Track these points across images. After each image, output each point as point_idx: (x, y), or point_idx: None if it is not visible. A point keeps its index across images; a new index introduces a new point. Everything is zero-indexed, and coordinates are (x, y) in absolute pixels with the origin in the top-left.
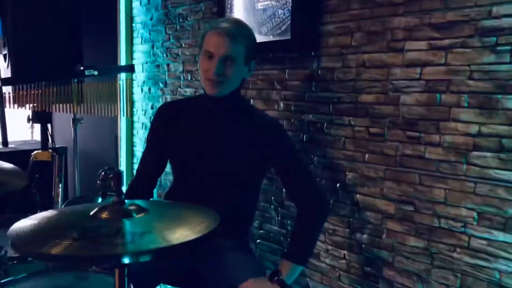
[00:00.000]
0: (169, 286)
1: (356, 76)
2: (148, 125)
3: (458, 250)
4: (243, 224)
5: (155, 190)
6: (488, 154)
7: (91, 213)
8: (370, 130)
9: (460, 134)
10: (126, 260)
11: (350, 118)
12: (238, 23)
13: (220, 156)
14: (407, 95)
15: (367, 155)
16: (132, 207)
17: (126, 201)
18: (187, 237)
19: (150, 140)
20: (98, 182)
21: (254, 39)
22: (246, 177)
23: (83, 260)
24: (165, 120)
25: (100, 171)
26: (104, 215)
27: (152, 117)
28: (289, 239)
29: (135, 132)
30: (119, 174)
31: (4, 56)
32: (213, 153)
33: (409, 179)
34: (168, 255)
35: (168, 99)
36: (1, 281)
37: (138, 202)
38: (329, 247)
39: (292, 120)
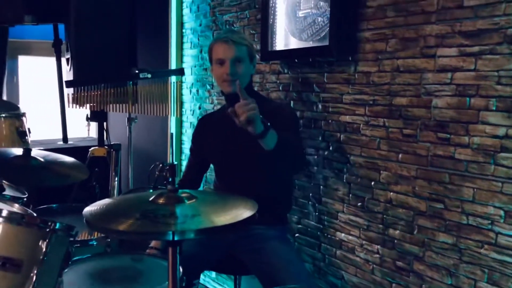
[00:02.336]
0: (213, 272)
1: (390, 80)
2: (196, 124)
3: (486, 246)
4: (279, 210)
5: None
6: None
7: (150, 199)
8: (404, 131)
9: (488, 136)
10: (177, 237)
11: (384, 119)
12: (235, 31)
13: (244, 145)
14: (439, 99)
15: (400, 155)
16: (184, 195)
17: (179, 189)
18: (230, 220)
19: (192, 149)
20: (157, 173)
21: (251, 41)
22: (270, 160)
23: (143, 234)
24: (201, 131)
25: (155, 164)
26: (161, 200)
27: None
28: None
29: (183, 130)
30: (173, 166)
31: (67, 60)
32: (238, 144)
33: (439, 178)
34: (213, 235)
35: (215, 100)
36: (73, 259)
37: (189, 191)
38: (364, 242)
39: (330, 121)
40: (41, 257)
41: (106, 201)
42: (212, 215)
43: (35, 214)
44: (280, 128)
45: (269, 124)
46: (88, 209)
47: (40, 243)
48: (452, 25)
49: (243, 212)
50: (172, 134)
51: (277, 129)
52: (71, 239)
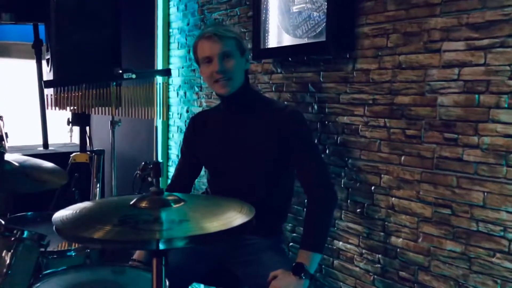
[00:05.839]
0: (202, 285)
1: (392, 78)
2: (183, 128)
3: (498, 255)
4: (275, 220)
5: None
6: None
7: (131, 202)
8: (406, 132)
9: (499, 135)
10: (163, 246)
11: (385, 120)
12: (219, 23)
13: (244, 150)
14: (445, 96)
15: (403, 158)
16: (170, 198)
17: (164, 192)
18: (223, 227)
19: (183, 150)
20: (138, 172)
21: (239, 32)
22: (271, 167)
23: (122, 243)
24: (194, 130)
25: (138, 167)
26: (143, 204)
27: (186, 124)
28: (303, 229)
29: (170, 135)
30: (158, 164)
31: (47, 60)
32: (237, 148)
33: (446, 181)
34: (204, 244)
35: (203, 103)
36: (43, 272)
37: (176, 194)
38: (363, 251)
39: (327, 122)
40: (4, 270)
41: (80, 205)
42: (203, 221)
43: (2, 222)
44: (296, 149)
45: (305, 267)
46: (58, 215)
47: (3, 254)
48: (458, 17)
49: (238, 218)
50: (156, 127)
51: (291, 144)
52: (42, 249)
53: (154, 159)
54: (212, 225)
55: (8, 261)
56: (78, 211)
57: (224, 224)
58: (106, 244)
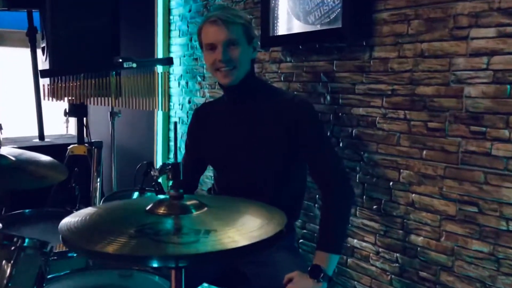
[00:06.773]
0: (208, 285)
1: (413, 67)
2: (185, 119)
3: None
4: (288, 217)
5: None
6: None
7: (147, 208)
8: (429, 124)
9: None
10: (188, 261)
11: (405, 111)
12: (227, 7)
13: (248, 143)
14: (472, 87)
15: (424, 152)
16: (190, 202)
17: (184, 195)
18: (256, 238)
19: (187, 145)
20: (156, 174)
21: (248, 18)
22: (279, 161)
23: (141, 260)
24: (197, 124)
25: (142, 163)
26: (161, 210)
27: (189, 114)
28: (319, 228)
29: (171, 127)
30: (177, 165)
31: (42, 49)
32: (241, 142)
33: (472, 177)
34: (234, 257)
35: (206, 93)
36: (47, 277)
37: (195, 197)
38: (380, 249)
39: (340, 114)
40: (5, 282)
41: (88, 210)
42: (231, 232)
43: (0, 225)
44: (307, 143)
45: (322, 269)
46: (65, 222)
47: (3, 264)
48: (489, 1)
49: (270, 227)
50: (175, 122)
51: (301, 138)
52: (45, 257)
53: (155, 152)
54: (243, 238)
55: (8, 272)
56: (86, 219)
57: (256, 236)
58: (123, 260)
